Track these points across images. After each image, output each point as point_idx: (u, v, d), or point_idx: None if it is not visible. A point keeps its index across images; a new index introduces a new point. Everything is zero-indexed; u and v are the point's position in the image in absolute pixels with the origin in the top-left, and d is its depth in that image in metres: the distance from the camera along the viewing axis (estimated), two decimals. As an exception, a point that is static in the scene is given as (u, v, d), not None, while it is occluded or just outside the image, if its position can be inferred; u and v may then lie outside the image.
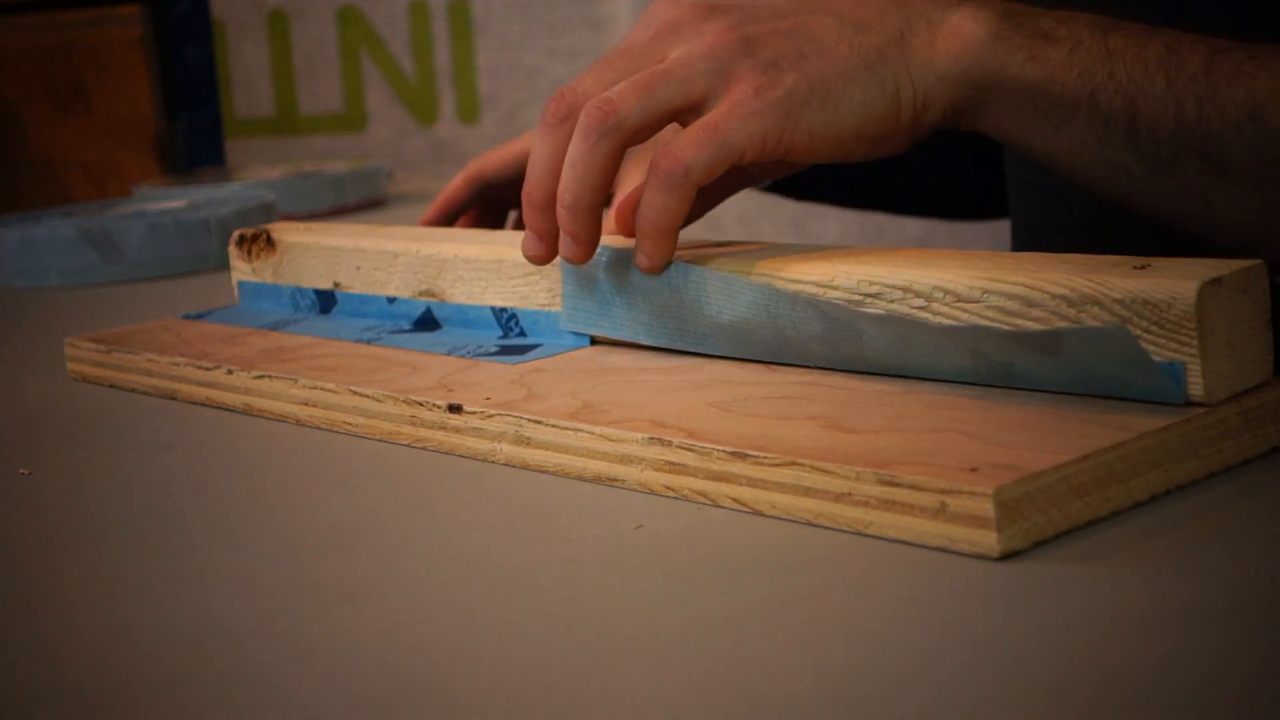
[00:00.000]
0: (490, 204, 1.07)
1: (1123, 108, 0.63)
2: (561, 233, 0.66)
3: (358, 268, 0.83)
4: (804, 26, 0.66)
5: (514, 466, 0.63)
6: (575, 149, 0.64)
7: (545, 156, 0.66)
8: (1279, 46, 0.62)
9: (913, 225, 1.94)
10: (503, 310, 0.75)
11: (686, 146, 0.63)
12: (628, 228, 0.68)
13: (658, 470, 0.58)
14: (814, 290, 0.62)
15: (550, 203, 0.66)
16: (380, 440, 0.68)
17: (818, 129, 0.64)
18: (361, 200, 1.51)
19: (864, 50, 0.65)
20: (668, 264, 0.66)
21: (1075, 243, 0.73)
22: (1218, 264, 0.55)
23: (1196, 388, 0.54)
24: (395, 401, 0.67)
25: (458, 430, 0.65)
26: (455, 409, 0.65)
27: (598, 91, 0.65)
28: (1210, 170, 0.62)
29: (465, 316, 0.77)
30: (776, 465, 0.54)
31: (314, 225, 0.91)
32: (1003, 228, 1.07)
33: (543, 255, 0.67)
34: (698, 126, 0.64)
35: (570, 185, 0.65)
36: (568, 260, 0.67)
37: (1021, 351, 0.56)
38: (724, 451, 0.55)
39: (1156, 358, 0.54)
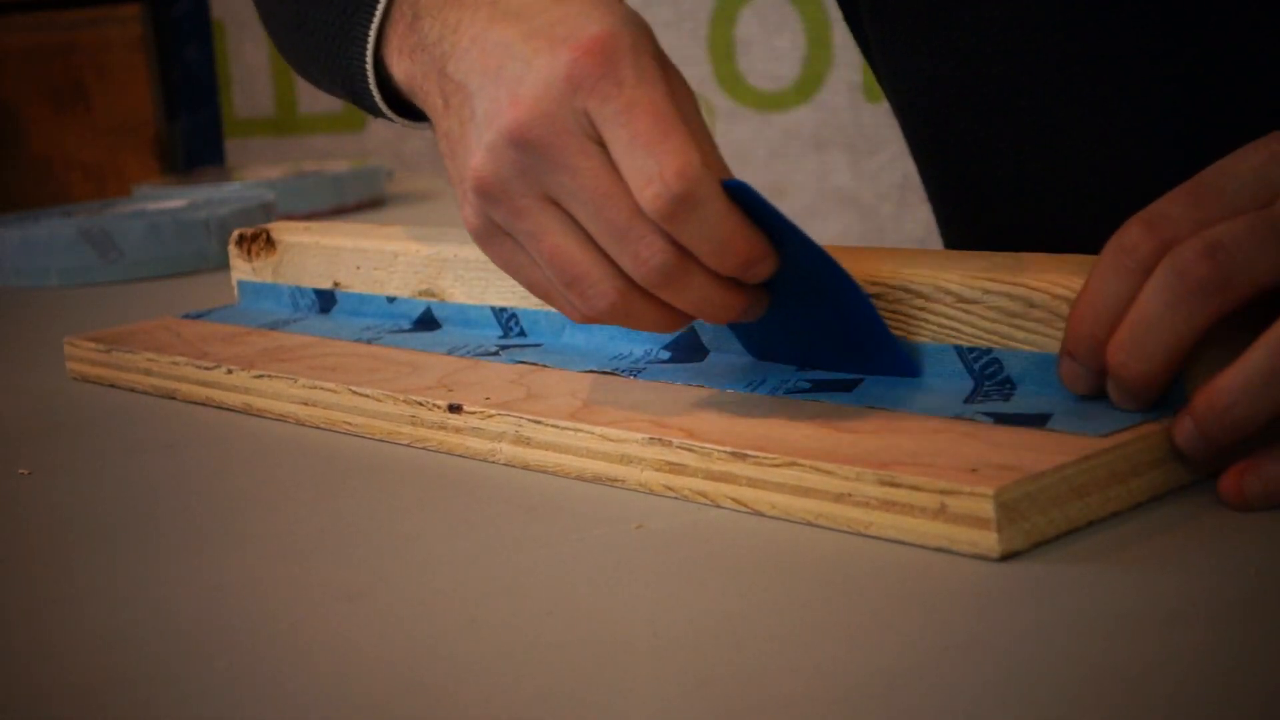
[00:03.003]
0: None
1: None
2: (1111, 379, 0.52)
3: (358, 267, 0.83)
4: None
5: (514, 466, 0.63)
6: (1164, 303, 0.49)
7: (1114, 299, 0.51)
8: None
9: (913, 225, 1.94)
10: (503, 310, 0.75)
11: (1243, 241, 0.48)
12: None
13: (658, 470, 0.58)
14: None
15: (1104, 345, 0.52)
16: (380, 440, 0.68)
17: None
18: (361, 200, 1.51)
19: None
20: (1150, 404, 0.52)
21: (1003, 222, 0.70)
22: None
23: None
24: (395, 401, 0.67)
25: (458, 430, 0.65)
26: (455, 409, 0.65)
27: (1192, 227, 0.49)
28: None
29: (465, 316, 0.77)
30: (776, 465, 0.54)
31: (314, 225, 0.91)
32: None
33: (1087, 391, 0.54)
34: (1260, 218, 0.48)
35: (1146, 351, 0.50)
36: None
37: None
38: (724, 451, 0.55)
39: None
